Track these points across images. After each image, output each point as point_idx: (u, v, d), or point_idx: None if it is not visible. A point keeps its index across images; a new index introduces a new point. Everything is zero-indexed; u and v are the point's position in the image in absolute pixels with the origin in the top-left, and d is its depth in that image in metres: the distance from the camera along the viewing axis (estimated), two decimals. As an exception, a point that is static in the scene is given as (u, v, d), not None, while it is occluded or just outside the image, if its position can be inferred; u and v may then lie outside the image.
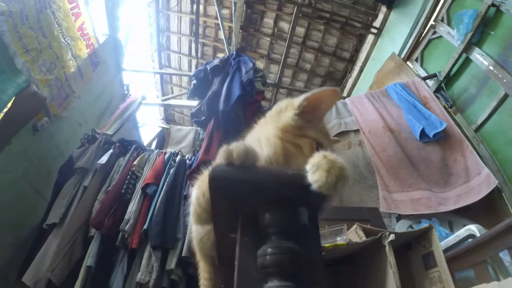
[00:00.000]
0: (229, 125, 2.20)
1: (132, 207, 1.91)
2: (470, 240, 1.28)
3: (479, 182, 1.81)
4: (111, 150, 2.15)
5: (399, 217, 1.89)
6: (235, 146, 0.45)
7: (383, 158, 2.14)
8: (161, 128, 3.37)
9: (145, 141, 3.50)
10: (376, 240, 0.99)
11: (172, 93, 5.10)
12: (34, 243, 1.79)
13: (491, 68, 2.03)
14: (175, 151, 2.40)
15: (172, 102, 4.17)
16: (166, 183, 2.05)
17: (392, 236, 1.02)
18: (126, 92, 3.24)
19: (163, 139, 3.23)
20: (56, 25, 1.89)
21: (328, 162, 0.44)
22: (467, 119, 2.18)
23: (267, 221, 0.43)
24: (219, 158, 0.45)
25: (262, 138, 0.62)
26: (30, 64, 1.70)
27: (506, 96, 1.93)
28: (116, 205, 1.89)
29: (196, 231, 0.65)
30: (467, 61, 2.28)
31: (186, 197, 2.01)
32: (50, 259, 1.63)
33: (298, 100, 0.61)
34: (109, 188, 1.98)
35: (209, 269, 0.74)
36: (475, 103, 2.15)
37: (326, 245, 0.93)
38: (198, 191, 0.55)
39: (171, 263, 1.78)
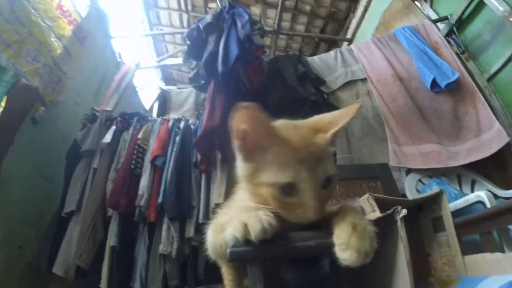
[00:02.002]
0: (230, 87, 2.11)
1: (144, 182, 1.95)
2: (479, 204, 1.29)
3: (490, 137, 1.76)
4: (113, 127, 2.12)
5: (409, 171, 1.88)
6: (253, 223, 0.42)
7: (392, 109, 2.07)
8: (160, 90, 3.27)
9: (146, 105, 3.43)
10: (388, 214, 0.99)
11: (167, 52, 4.86)
12: (57, 232, 1.85)
13: (507, 14, 1.84)
14: (178, 118, 2.36)
15: (168, 62, 3.99)
16: (173, 153, 2.06)
17: (404, 212, 1.02)
18: (119, 60, 3.08)
19: (164, 101, 3.16)
20: (33, 11, 1.75)
21: (358, 238, 0.42)
22: (479, 67, 2.04)
23: (289, 278, 0.43)
24: (235, 231, 0.43)
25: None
26: (14, 58, 1.61)
27: None
28: (128, 182, 1.92)
29: (211, 241, 0.64)
30: (481, 4, 2.05)
31: (196, 164, 2.02)
32: (75, 246, 1.70)
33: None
34: (119, 166, 2.00)
35: (232, 271, 0.77)
36: (489, 51, 1.98)
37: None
38: (213, 242, 0.53)
39: (190, 231, 1.86)
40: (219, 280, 2.22)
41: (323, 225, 0.47)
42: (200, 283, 1.97)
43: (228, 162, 2.01)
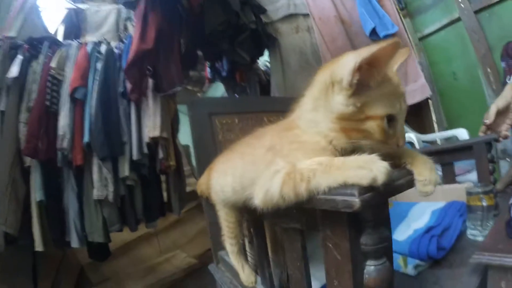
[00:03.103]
0: (166, 6, 1.84)
1: (64, 120, 1.70)
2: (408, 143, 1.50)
3: (414, 89, 1.97)
4: (20, 56, 1.72)
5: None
6: (379, 168, 0.40)
7: (331, 49, 2.11)
8: (70, 9, 2.67)
9: (51, 30, 2.80)
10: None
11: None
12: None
13: (453, -12, 1.91)
14: (98, 40, 2.05)
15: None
16: (95, 82, 1.80)
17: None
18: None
19: (71, 23, 2.63)
20: None
21: (434, 174, 0.49)
22: (414, 26, 2.18)
23: (368, 217, 0.46)
24: (359, 178, 0.41)
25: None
26: None
27: (458, 20, 1.91)
28: (45, 123, 1.66)
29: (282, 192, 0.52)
30: (431, -31, 2.09)
31: (123, 94, 1.83)
32: (-4, 211, 1.48)
33: (345, 73, 0.46)
34: (31, 104, 1.69)
35: (236, 213, 0.80)
36: (427, 14, 2.11)
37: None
38: (288, 193, 0.48)
39: (124, 170, 1.76)
40: (158, 216, 2.25)
41: None
42: (139, 222, 1.98)
43: (163, 91, 1.84)
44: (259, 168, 0.55)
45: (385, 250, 0.47)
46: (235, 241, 0.83)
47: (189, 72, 2.44)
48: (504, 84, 1.50)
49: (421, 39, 2.12)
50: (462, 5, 1.90)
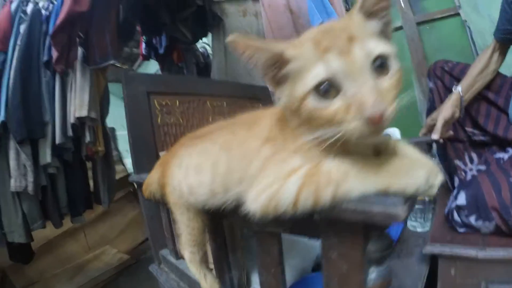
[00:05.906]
0: None
1: (-26, 93, 1.38)
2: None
3: None
4: None
5: (281, 98, 2.10)
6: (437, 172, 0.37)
7: (277, 37, 2.09)
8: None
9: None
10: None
11: None
12: None
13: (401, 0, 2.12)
14: None
15: None
16: (17, 48, 1.48)
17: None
18: None
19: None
20: None
21: None
22: None
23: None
24: (423, 181, 0.35)
25: None
26: None
27: (400, 28, 2.12)
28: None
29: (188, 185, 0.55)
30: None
31: (48, 64, 1.52)
32: None
33: None
34: None
35: (202, 217, 0.67)
36: None
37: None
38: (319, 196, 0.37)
39: (46, 156, 1.50)
40: (84, 209, 1.97)
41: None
42: (63, 216, 1.71)
43: (93, 63, 1.58)
44: (253, 164, 0.44)
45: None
46: (197, 249, 0.71)
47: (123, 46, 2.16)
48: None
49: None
50: (407, 16, 2.09)
